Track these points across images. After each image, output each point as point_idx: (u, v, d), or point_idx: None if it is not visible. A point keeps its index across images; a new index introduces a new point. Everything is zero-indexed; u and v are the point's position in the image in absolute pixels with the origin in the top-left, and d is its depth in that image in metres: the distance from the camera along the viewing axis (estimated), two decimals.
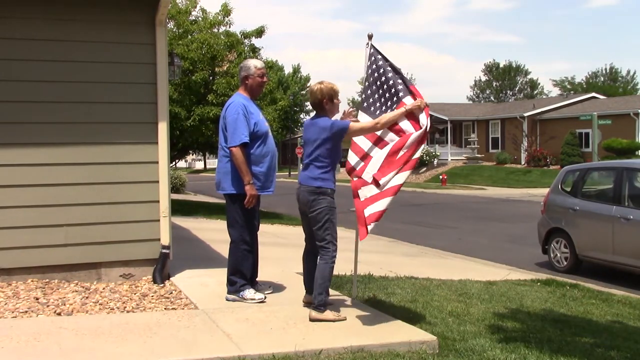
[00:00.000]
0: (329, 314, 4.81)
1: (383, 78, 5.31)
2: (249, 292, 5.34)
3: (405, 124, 4.98)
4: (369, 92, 5.39)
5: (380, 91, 5.31)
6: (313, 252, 5.05)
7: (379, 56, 5.40)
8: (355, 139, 5.17)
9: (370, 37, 5.42)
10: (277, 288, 5.91)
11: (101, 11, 6.02)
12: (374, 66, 5.38)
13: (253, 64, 5.47)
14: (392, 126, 5.03)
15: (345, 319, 4.82)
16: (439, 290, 6.61)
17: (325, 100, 4.96)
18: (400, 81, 5.19)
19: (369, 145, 5.14)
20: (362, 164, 5.08)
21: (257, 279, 5.62)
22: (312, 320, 4.74)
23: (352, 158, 5.18)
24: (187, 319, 4.80)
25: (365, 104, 5.37)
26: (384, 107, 5.24)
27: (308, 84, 69.61)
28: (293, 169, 52.07)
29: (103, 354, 3.98)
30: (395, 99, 5.17)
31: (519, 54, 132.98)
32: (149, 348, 4.10)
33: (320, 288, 4.79)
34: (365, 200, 4.84)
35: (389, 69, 5.29)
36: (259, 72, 5.43)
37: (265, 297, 5.39)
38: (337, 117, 5.13)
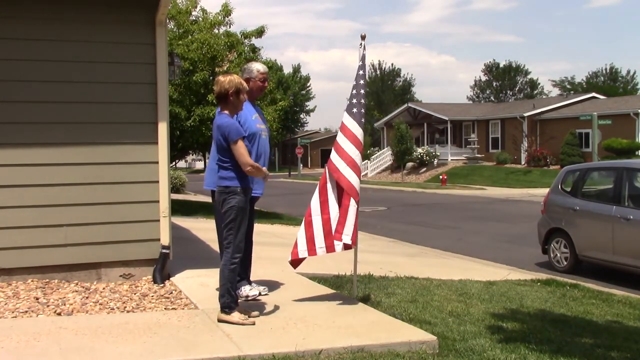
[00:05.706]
0: (235, 316, 4.65)
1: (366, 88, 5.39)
2: (245, 289, 5.34)
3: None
4: (356, 95, 5.34)
5: (363, 100, 5.33)
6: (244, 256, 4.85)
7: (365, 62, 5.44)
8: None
9: (363, 37, 5.41)
10: (277, 288, 5.92)
11: (101, 11, 6.02)
12: (367, 70, 5.43)
13: (256, 67, 5.49)
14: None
15: (254, 324, 4.63)
16: (439, 290, 6.60)
17: (231, 93, 4.69)
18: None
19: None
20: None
21: (251, 279, 5.60)
22: (219, 321, 4.66)
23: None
24: (187, 319, 4.80)
25: (354, 109, 5.33)
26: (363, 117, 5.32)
27: (308, 84, 69.55)
28: (293, 169, 52.05)
29: (103, 354, 3.98)
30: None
31: (519, 54, 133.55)
32: (149, 348, 4.11)
33: (222, 290, 4.67)
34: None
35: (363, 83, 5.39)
36: (262, 76, 5.47)
37: (259, 294, 5.39)
38: None
